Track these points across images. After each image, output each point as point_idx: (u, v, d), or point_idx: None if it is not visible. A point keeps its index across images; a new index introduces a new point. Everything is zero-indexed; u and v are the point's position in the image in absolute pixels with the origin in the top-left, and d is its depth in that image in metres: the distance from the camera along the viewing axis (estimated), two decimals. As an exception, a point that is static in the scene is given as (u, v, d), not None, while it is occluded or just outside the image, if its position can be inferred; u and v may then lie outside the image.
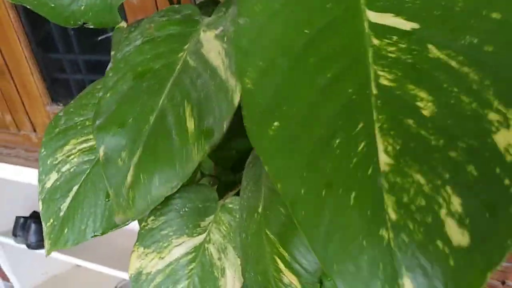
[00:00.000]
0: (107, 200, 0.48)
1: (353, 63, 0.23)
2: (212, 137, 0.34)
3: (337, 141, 0.22)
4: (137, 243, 0.47)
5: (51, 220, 0.49)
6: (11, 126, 1.34)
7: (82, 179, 0.49)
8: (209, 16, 0.42)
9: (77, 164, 0.50)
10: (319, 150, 0.22)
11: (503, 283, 0.83)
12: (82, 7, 0.46)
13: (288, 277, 0.34)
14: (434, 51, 0.22)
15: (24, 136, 1.34)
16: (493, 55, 0.21)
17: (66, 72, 1.20)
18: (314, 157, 0.22)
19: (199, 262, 0.45)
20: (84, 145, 0.50)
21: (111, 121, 0.38)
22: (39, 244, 1.36)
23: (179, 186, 0.37)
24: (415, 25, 0.23)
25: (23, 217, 1.40)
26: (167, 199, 0.40)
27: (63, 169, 0.50)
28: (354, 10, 0.25)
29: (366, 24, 0.24)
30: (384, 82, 0.22)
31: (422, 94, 0.21)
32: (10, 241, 1.41)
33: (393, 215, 0.19)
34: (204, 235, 0.45)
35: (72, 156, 0.50)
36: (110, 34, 1.01)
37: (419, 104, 0.21)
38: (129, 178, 0.38)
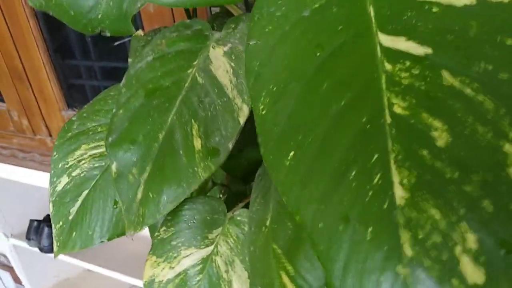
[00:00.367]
0: (115, 207, 0.48)
1: (366, 89, 0.22)
2: (218, 155, 0.34)
3: (353, 173, 0.21)
4: (150, 252, 0.47)
5: (61, 223, 0.50)
6: (27, 131, 1.36)
7: (92, 184, 0.50)
8: (222, 27, 0.42)
9: (88, 169, 0.50)
10: (336, 182, 0.21)
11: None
12: (99, 16, 0.47)
13: (293, 292, 0.34)
14: (448, 78, 0.21)
15: (39, 140, 1.36)
16: (508, 83, 0.20)
17: (82, 78, 1.21)
18: (331, 189, 0.21)
19: (206, 274, 0.45)
20: (95, 151, 0.51)
21: (123, 138, 0.39)
22: (51, 248, 1.38)
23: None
24: (428, 50, 0.22)
25: (36, 220, 1.41)
26: (177, 210, 0.40)
27: (74, 174, 0.51)
28: (366, 32, 0.24)
29: (378, 48, 0.23)
30: (397, 110, 0.21)
31: (437, 123, 0.20)
32: (24, 244, 1.43)
33: (408, 252, 0.19)
34: (211, 247, 0.45)
35: (83, 161, 0.51)
36: (126, 39, 1.02)
37: (434, 134, 0.20)
38: (139, 194, 0.38)
